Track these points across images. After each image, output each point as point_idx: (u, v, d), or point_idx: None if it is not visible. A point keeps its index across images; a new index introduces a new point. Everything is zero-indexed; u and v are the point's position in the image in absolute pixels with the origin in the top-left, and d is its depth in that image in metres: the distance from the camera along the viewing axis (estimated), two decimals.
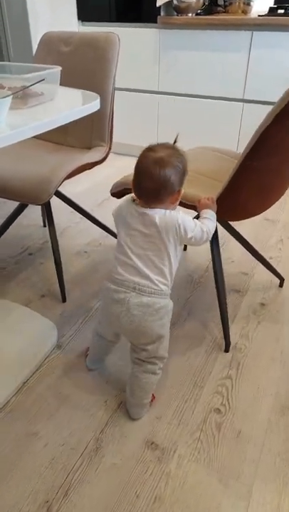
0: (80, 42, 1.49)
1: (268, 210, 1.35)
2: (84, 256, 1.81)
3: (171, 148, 0.97)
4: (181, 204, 1.20)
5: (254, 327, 1.43)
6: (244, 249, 1.83)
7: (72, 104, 0.99)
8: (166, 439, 1.06)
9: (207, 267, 1.75)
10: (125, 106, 2.78)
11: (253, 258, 1.78)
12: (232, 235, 1.54)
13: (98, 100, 1.03)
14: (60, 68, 0.99)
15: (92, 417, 1.11)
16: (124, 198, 1.04)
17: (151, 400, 1.13)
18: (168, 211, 0.96)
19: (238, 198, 1.15)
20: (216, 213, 1.11)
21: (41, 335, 1.32)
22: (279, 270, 1.72)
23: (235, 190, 1.11)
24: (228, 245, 1.89)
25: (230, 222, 1.49)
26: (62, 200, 1.63)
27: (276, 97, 2.61)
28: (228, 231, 1.52)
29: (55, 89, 1.02)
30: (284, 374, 1.25)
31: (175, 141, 1.00)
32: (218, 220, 1.19)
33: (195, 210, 1.16)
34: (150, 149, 0.95)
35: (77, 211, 1.72)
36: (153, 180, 0.92)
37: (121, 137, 2.91)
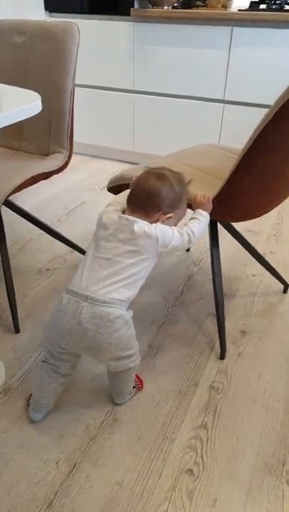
0: (34, 32, 1.29)
1: (250, 220, 1.25)
2: (46, 275, 1.61)
3: (179, 174, 0.97)
4: None
5: (234, 360, 1.26)
6: (225, 267, 1.69)
7: (3, 106, 0.80)
8: None
9: (183, 288, 1.57)
10: (98, 105, 2.59)
11: (235, 276, 1.64)
12: (236, 238, 1.46)
13: (39, 102, 0.84)
14: None
15: (38, 486, 0.91)
16: (114, 204, 0.99)
17: (139, 388, 1.12)
18: (148, 224, 0.91)
19: (237, 197, 1.08)
20: (214, 213, 1.07)
21: None
22: (261, 291, 1.57)
23: (234, 190, 1.04)
24: (207, 263, 1.72)
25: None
26: (16, 213, 1.42)
27: (258, 98, 2.45)
28: (233, 236, 1.45)
29: None
30: (267, 420, 1.08)
31: (189, 182, 1.02)
32: (218, 222, 1.22)
33: (190, 209, 1.08)
34: (159, 167, 0.97)
35: (35, 225, 1.52)
36: (144, 189, 0.92)
37: (94, 139, 2.72)
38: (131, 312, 0.95)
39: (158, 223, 0.92)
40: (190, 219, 1.02)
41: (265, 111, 0.90)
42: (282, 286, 1.57)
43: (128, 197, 0.95)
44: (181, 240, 0.95)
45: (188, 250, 1.80)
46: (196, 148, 1.55)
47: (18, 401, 1.09)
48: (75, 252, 1.71)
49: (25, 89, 0.96)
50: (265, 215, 2.11)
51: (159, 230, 0.91)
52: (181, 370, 1.22)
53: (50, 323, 0.94)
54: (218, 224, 1.29)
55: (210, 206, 1.06)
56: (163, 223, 0.93)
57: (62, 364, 0.98)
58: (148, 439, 1.02)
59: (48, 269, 1.64)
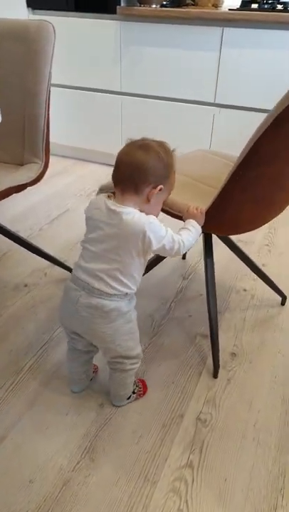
0: (4, 32, 1.18)
1: None
2: (23, 291, 1.50)
3: (163, 143, 0.89)
4: (168, 213, 1.08)
5: (223, 388, 1.17)
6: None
7: None
8: None
9: (170, 305, 1.47)
10: (85, 107, 2.48)
11: (225, 291, 1.55)
12: (232, 250, 1.40)
13: None
14: None
15: None
16: (104, 189, 0.96)
17: (140, 394, 1.11)
18: (138, 214, 0.85)
19: (230, 210, 1.02)
20: (206, 227, 1.01)
21: None
22: (252, 307, 1.48)
23: (226, 202, 0.99)
24: (196, 276, 1.63)
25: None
26: None
27: (249, 101, 2.34)
28: (229, 248, 1.39)
29: None
30: (258, 457, 0.99)
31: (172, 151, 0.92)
32: (212, 234, 1.18)
33: (182, 220, 1.02)
34: (141, 139, 0.89)
35: (11, 239, 1.41)
36: (131, 163, 0.85)
37: (81, 142, 2.61)
38: (132, 303, 0.94)
39: (151, 218, 0.85)
40: (180, 229, 0.95)
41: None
42: (275, 301, 1.49)
43: (113, 175, 0.87)
44: (172, 245, 0.88)
45: (184, 258, 1.72)
46: (192, 154, 1.46)
47: None
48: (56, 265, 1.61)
49: None
50: None
51: (149, 227, 0.83)
52: (166, 400, 1.12)
53: (61, 302, 0.97)
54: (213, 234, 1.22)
55: (202, 219, 1.00)
56: (155, 196, 0.87)
57: (76, 341, 1.00)
58: (128, 483, 0.93)
59: (25, 285, 1.53)
